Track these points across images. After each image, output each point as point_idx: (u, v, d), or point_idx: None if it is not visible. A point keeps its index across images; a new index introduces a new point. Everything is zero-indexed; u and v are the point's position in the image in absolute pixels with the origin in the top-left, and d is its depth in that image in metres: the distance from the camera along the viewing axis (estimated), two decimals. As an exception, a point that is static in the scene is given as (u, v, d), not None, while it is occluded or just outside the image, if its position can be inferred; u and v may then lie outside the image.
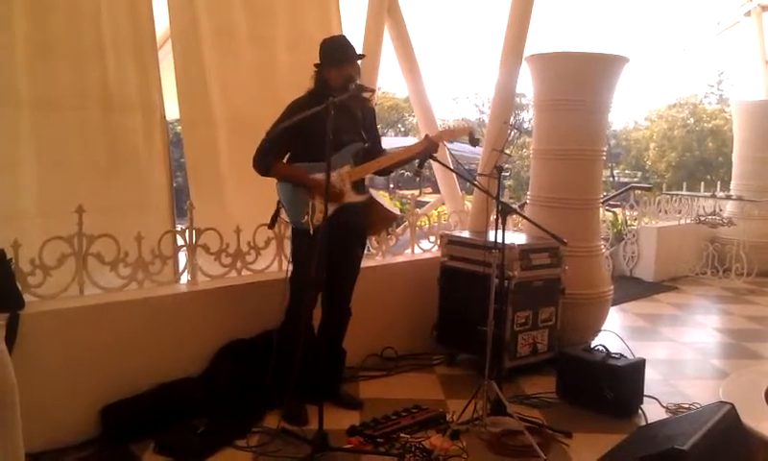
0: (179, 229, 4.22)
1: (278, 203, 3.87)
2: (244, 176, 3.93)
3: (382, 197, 4.28)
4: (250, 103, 4.92)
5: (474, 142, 3.91)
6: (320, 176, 3.57)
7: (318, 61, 3.83)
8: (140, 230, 3.88)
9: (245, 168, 3.86)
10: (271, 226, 4.02)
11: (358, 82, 3.77)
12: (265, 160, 3.76)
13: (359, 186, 3.88)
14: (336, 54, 3.79)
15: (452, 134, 4.02)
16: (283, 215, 3.91)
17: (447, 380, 4.60)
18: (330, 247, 3.44)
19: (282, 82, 5.01)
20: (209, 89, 4.80)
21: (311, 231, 3.67)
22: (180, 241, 4.09)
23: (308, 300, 3.68)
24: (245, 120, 4.78)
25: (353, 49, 3.85)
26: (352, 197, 3.81)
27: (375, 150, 4.00)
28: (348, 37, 3.95)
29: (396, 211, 4.25)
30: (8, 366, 2.44)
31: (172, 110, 4.83)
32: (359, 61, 3.86)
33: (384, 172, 4.15)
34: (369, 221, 4.05)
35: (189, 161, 4.81)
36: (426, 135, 3.94)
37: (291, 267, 3.84)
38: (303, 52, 3.85)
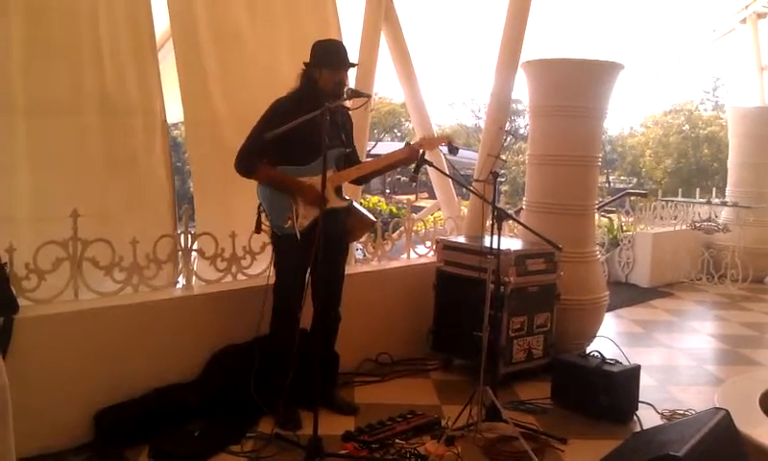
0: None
1: (259, 206, 3.86)
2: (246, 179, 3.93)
3: (359, 203, 4.28)
4: (252, 104, 4.89)
5: (453, 151, 3.91)
6: (305, 179, 3.65)
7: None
8: (141, 235, 3.86)
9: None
10: (257, 230, 3.98)
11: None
12: (251, 161, 3.74)
13: (340, 192, 3.88)
14: (331, 56, 3.78)
15: (432, 143, 4.02)
16: (264, 219, 3.88)
17: (443, 386, 4.60)
18: (315, 253, 3.43)
19: (284, 83, 5.00)
20: (212, 90, 4.77)
21: (298, 237, 3.68)
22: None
23: (297, 305, 3.68)
24: (247, 121, 4.77)
25: (348, 56, 3.84)
26: (336, 202, 3.81)
27: (353, 157, 4.02)
28: (343, 44, 3.94)
29: (373, 218, 4.26)
30: (0, 370, 2.43)
31: (170, 113, 4.80)
32: (350, 70, 3.86)
33: (363, 179, 4.18)
34: (348, 227, 4.06)
35: (193, 163, 4.79)
36: (407, 143, 3.94)
37: (274, 275, 3.85)
38: (304, 55, 3.85)
